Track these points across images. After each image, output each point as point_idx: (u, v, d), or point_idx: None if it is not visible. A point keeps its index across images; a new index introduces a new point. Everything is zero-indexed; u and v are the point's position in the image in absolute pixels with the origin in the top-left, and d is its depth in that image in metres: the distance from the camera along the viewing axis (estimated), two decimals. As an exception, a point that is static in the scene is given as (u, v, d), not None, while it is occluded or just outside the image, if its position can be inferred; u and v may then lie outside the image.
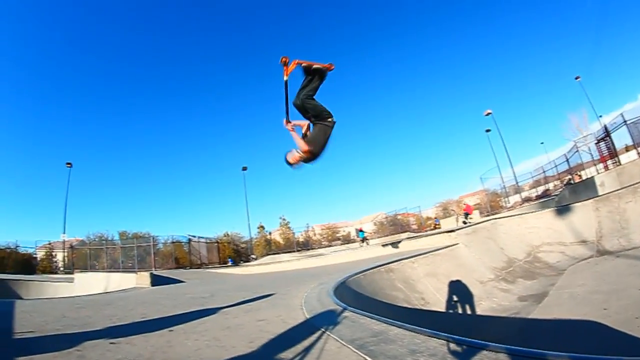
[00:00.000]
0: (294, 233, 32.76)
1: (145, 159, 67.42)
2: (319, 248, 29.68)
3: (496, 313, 6.02)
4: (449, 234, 9.44)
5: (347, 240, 32.79)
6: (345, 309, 3.11)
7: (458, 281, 6.94)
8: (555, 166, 25.48)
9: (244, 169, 32.15)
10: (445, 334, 2.07)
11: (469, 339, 1.97)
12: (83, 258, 23.85)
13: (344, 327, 2.59)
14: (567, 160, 22.49)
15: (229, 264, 24.06)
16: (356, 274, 5.88)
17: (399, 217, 31.91)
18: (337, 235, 34.84)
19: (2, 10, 46.88)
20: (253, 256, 28.62)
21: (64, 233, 25.24)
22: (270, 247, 31.33)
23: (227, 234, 30.97)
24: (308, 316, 3.08)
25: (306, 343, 2.30)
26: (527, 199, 26.72)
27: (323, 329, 2.54)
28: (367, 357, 1.93)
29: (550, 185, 27.02)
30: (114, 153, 64.03)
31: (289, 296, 4.56)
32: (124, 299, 5.66)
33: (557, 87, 64.17)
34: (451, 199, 34.93)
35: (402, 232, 27.24)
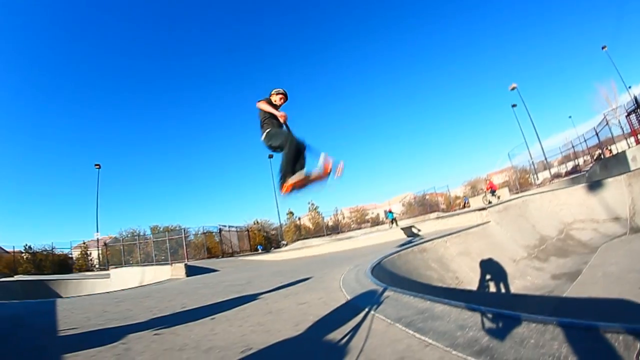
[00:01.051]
0: (323, 217, 32.78)
1: (172, 152, 69.07)
2: (348, 231, 29.55)
3: (530, 292, 5.93)
4: (480, 212, 9.25)
5: (376, 222, 32.50)
6: (386, 288, 3.07)
7: (491, 260, 6.83)
8: (585, 140, 24.14)
9: (270, 156, 32.21)
10: (494, 309, 2.02)
11: (516, 313, 1.93)
12: (117, 254, 24.76)
13: (387, 306, 2.55)
14: (597, 134, 21.31)
15: (259, 250, 24.44)
16: (390, 254, 5.88)
17: (427, 197, 31.55)
18: (366, 217, 34.57)
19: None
20: (283, 242, 28.87)
21: (97, 232, 25.83)
22: (300, 233, 31.61)
23: (257, 222, 31.38)
24: (349, 297, 3.05)
25: (352, 323, 2.27)
26: (557, 175, 25.66)
27: (367, 309, 2.50)
28: (416, 334, 1.89)
29: (580, 161, 25.66)
30: (141, 148, 65.84)
31: (326, 279, 4.56)
32: (161, 291, 5.80)
33: (583, 58, 60.95)
34: (479, 177, 33.81)
35: (430, 212, 27.16)
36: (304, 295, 3.56)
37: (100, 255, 26.05)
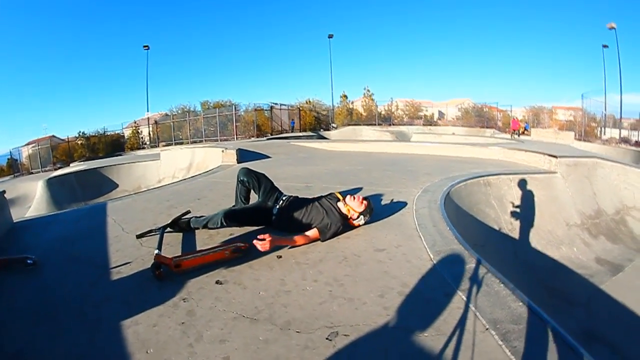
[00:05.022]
0: (376, 105, 32.52)
1: (225, 23, 62.98)
2: (400, 124, 29.62)
3: (571, 266, 5.61)
4: (550, 158, 8.39)
5: (429, 121, 31.87)
6: (479, 262, 2.59)
7: (545, 214, 6.44)
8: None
9: (330, 36, 32.07)
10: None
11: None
12: (167, 130, 25.79)
13: (481, 294, 2.13)
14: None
15: (292, 127, 25.22)
16: (457, 183, 5.55)
17: (485, 109, 29.85)
18: (420, 113, 33.71)
19: None
20: (333, 125, 29.33)
21: (148, 111, 27.23)
22: (352, 118, 31.66)
23: (309, 101, 31.34)
24: (432, 257, 2.65)
25: (449, 318, 1.89)
26: (625, 140, 22.74)
27: (460, 293, 2.12)
28: (512, 358, 1.57)
29: None
30: (192, 21, 59.92)
31: (395, 202, 4.24)
32: (213, 189, 5.55)
33: None
34: (543, 106, 30.91)
35: (487, 127, 26.36)
36: (378, 233, 3.21)
37: (151, 133, 27.10)
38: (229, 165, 8.25)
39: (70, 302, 2.22)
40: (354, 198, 3.24)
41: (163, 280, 2.39)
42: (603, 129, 25.18)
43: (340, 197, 3.31)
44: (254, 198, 3.60)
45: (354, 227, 3.29)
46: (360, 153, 10.48)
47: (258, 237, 2.62)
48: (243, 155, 8.88)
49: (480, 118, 29.19)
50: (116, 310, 2.08)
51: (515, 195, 6.56)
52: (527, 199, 6.62)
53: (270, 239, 2.60)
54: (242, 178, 3.52)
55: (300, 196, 3.52)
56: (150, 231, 3.30)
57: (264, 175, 3.57)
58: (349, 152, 10.78)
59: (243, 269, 2.56)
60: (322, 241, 3.01)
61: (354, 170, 6.94)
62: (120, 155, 23.11)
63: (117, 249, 3.01)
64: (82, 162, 19.82)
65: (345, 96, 33.84)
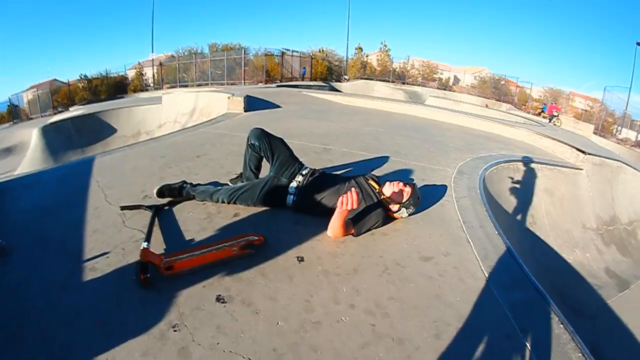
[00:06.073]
0: (392, 61, 31.04)
1: None
2: (413, 84, 28.79)
3: (583, 273, 5.31)
4: (578, 153, 7.85)
5: (444, 85, 30.52)
6: (526, 279, 2.26)
7: (565, 213, 6.15)
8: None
9: None
10: None
11: None
12: (172, 72, 24.49)
13: (542, 338, 1.75)
14: None
15: (303, 75, 24.20)
16: (490, 166, 5.18)
17: (502, 82, 28.52)
18: (435, 76, 32.00)
19: None
20: (345, 77, 28.13)
21: (152, 52, 26.33)
22: (365, 71, 30.26)
23: (322, 50, 29.64)
24: (486, 274, 2.18)
25: None
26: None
27: (521, 335, 1.73)
28: None
29: None
30: None
31: (431, 185, 3.69)
32: (216, 143, 4.79)
33: None
34: (562, 90, 29.32)
35: (502, 102, 25.47)
36: (421, 230, 2.64)
37: (155, 74, 25.95)
38: (235, 113, 7.36)
39: (34, 317, 1.68)
40: (394, 184, 2.58)
41: (148, 287, 1.80)
42: (620, 127, 24.39)
43: (376, 185, 2.67)
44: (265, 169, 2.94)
45: (391, 219, 2.69)
46: (379, 112, 9.62)
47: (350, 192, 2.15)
48: (251, 103, 8.00)
49: (496, 90, 27.77)
50: (89, 335, 1.55)
51: (541, 187, 6.17)
52: (552, 193, 6.26)
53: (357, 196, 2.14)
54: (252, 141, 2.78)
55: (325, 170, 2.87)
56: (138, 207, 2.65)
57: (281, 140, 2.83)
58: (366, 109, 9.92)
59: (253, 276, 1.95)
60: (355, 236, 2.43)
61: (375, 132, 6.25)
62: (122, 97, 22.25)
63: (95, 229, 2.41)
64: (82, 106, 19.11)
65: (361, 48, 31.98)
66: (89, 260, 2.06)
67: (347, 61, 29.95)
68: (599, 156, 8.81)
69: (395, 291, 1.93)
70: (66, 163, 5.33)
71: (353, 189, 2.19)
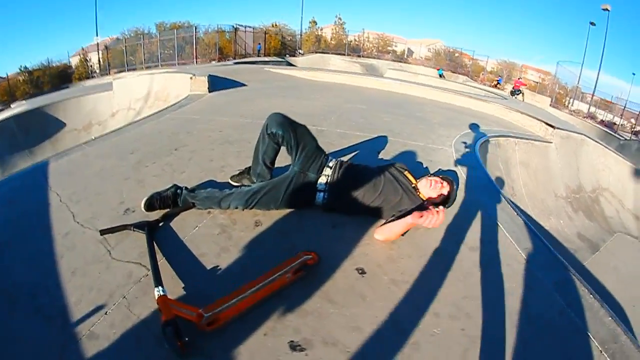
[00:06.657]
0: (347, 35, 31.05)
1: None
2: (369, 57, 29.01)
3: (560, 238, 5.61)
4: (547, 127, 8.29)
5: (398, 57, 30.86)
6: (556, 257, 2.30)
7: (540, 183, 6.48)
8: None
9: None
10: None
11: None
12: (119, 56, 22.78)
13: (584, 310, 1.82)
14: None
15: (259, 51, 23.92)
16: (478, 142, 5.19)
17: (457, 55, 29.35)
18: (389, 48, 32.46)
19: None
20: (300, 51, 27.94)
21: (97, 35, 24.19)
22: (320, 45, 30.24)
23: (275, 25, 29.33)
24: (525, 258, 2.16)
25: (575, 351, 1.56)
26: (591, 116, 23.94)
27: (569, 311, 1.78)
28: None
29: (621, 121, 23.93)
30: None
31: (438, 168, 3.51)
32: (192, 131, 4.00)
33: None
34: (515, 62, 30.70)
35: (458, 73, 25.95)
36: (453, 220, 2.45)
37: (101, 60, 24.06)
38: (199, 95, 6.67)
39: None
40: (431, 182, 2.30)
41: (189, 354, 1.26)
42: (572, 100, 25.93)
43: (412, 178, 2.38)
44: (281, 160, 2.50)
45: None
46: (349, 87, 9.40)
47: (431, 208, 1.85)
48: (215, 83, 7.37)
49: (451, 63, 28.32)
50: None
51: (518, 160, 6.41)
52: (527, 165, 6.52)
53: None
54: (274, 130, 2.23)
55: (352, 161, 2.49)
56: (123, 227, 1.99)
57: (305, 128, 2.33)
58: (334, 84, 9.61)
59: (320, 306, 1.56)
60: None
61: (358, 110, 5.98)
62: (68, 87, 20.18)
63: (73, 268, 1.73)
64: (25, 101, 17.33)
65: (315, 22, 31.71)
66: (80, 322, 1.42)
67: (301, 35, 29.63)
68: (565, 130, 9.39)
69: (464, 288, 1.79)
70: (13, 174, 3.87)
71: (441, 207, 1.86)
